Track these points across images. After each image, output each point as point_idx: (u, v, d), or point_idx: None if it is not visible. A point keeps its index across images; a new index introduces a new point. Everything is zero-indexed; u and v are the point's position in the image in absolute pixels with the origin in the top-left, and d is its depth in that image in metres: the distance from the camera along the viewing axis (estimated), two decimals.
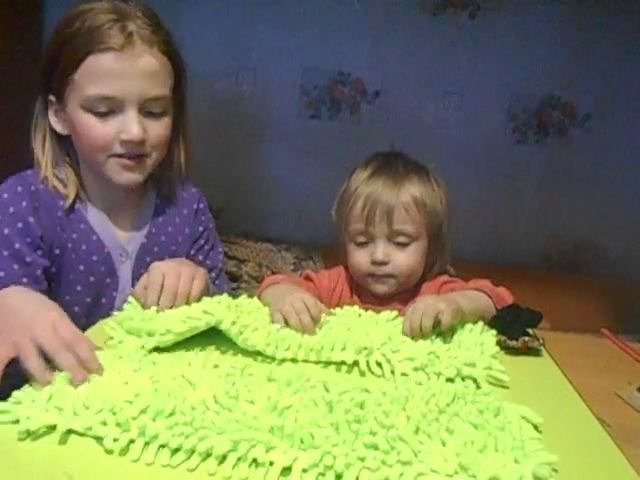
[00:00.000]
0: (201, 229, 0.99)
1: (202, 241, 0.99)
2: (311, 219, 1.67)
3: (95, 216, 0.89)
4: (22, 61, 1.49)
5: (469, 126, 1.69)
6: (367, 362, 0.67)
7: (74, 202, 0.87)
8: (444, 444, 0.49)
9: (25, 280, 0.78)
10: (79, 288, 0.85)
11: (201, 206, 1.01)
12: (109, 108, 0.80)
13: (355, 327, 0.76)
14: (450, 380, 0.65)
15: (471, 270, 1.08)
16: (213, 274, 0.97)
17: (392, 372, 0.66)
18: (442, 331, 0.76)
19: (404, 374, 0.65)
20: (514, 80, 1.67)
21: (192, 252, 0.98)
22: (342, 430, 0.48)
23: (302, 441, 0.47)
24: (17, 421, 0.49)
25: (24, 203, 0.82)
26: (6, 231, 0.79)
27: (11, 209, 0.81)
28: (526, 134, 1.69)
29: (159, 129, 0.85)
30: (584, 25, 1.63)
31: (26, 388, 0.54)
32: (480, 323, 0.82)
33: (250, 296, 0.87)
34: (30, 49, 1.54)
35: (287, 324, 0.74)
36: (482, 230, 1.71)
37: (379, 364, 0.67)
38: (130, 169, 0.85)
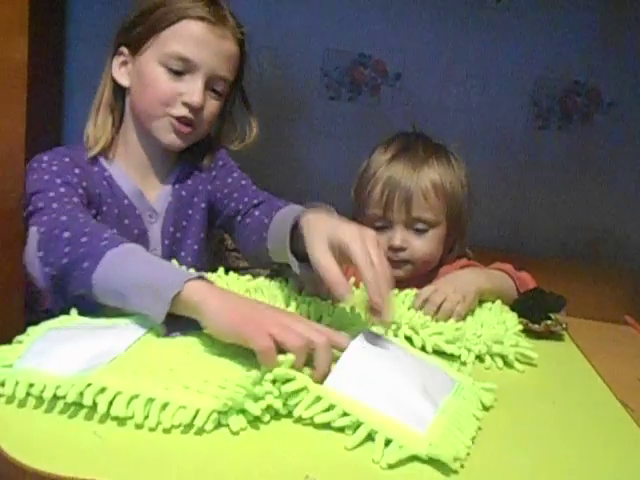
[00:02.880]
0: (218, 183, 1.04)
1: (226, 190, 1.04)
2: (329, 201, 1.66)
3: (121, 177, 0.93)
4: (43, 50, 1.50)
5: (490, 111, 1.66)
6: (396, 336, 0.66)
7: (98, 159, 0.92)
8: None
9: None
10: None
11: (220, 163, 1.07)
12: (182, 69, 0.88)
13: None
14: (479, 358, 0.64)
15: (487, 257, 1.07)
16: (278, 203, 0.97)
17: (423, 347, 0.66)
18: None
19: (436, 348, 0.65)
20: (538, 65, 1.64)
21: (225, 202, 1.03)
22: None
23: None
24: None
25: (66, 159, 0.88)
26: (58, 181, 0.83)
27: (54, 167, 0.85)
28: (549, 120, 1.66)
29: (212, 107, 0.94)
30: (612, 10, 1.59)
31: None
32: (498, 302, 0.81)
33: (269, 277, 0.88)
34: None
35: None
36: (500, 217, 1.69)
37: (408, 338, 0.66)
38: (178, 133, 0.92)
